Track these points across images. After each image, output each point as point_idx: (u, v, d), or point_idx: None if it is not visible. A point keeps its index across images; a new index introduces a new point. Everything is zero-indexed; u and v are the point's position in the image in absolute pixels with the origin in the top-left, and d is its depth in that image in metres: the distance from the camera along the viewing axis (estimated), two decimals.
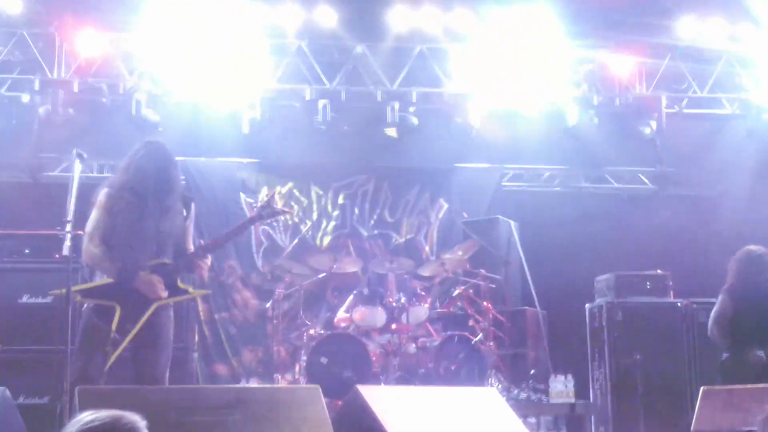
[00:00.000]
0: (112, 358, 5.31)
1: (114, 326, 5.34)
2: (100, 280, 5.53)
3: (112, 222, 5.54)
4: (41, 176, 10.75)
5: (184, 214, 5.79)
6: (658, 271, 9.32)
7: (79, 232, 5.47)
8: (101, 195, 5.60)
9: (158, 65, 9.99)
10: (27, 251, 7.92)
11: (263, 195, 6.02)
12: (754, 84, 11.02)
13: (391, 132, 10.73)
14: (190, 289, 5.74)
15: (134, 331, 5.41)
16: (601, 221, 11.29)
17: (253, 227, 11.03)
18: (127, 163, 5.70)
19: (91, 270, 5.61)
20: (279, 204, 10.71)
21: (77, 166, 5.22)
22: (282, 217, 11.19)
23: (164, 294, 5.52)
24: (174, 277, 5.63)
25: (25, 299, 7.79)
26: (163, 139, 5.90)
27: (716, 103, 11.35)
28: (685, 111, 11.29)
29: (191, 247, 5.84)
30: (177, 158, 5.84)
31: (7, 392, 6.47)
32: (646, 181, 12.04)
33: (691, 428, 5.75)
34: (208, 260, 5.74)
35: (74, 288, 5.10)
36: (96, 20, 9.50)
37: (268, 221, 5.96)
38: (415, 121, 10.85)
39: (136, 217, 5.54)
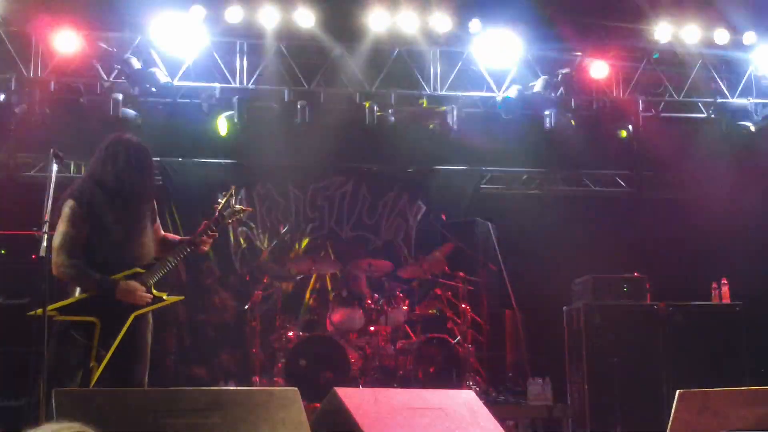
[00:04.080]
0: (97, 373, 5.22)
1: (96, 341, 5.25)
2: (76, 295, 5.35)
3: (78, 233, 5.35)
4: (18, 176, 10.69)
5: (153, 217, 5.71)
6: (635, 273, 9.36)
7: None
8: (66, 207, 5.37)
9: (137, 65, 9.93)
10: (3, 252, 7.87)
11: (223, 197, 5.91)
12: (729, 89, 11.12)
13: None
14: (165, 296, 5.62)
15: (115, 344, 5.30)
16: (578, 224, 11.33)
17: (231, 229, 11.01)
18: (98, 161, 5.54)
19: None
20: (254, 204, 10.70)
21: (54, 167, 5.16)
22: (258, 219, 11.20)
23: (148, 298, 5.44)
24: (148, 285, 5.51)
25: (0, 300, 7.72)
26: (138, 137, 5.78)
27: (692, 107, 11.41)
28: (662, 115, 11.36)
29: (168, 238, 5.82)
30: (154, 159, 5.77)
31: None
32: (623, 184, 12.16)
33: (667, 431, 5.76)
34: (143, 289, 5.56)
35: (50, 307, 4.98)
36: (72, 19, 9.42)
37: (230, 222, 5.89)
38: (393, 123, 10.84)
39: (109, 222, 5.41)
